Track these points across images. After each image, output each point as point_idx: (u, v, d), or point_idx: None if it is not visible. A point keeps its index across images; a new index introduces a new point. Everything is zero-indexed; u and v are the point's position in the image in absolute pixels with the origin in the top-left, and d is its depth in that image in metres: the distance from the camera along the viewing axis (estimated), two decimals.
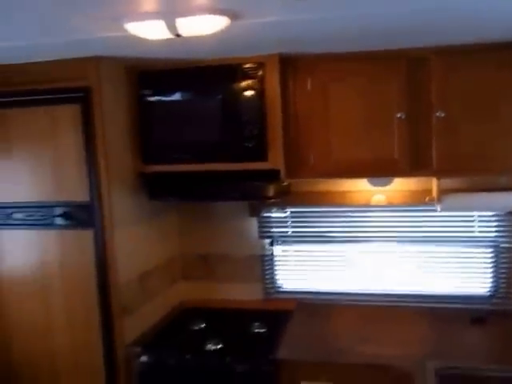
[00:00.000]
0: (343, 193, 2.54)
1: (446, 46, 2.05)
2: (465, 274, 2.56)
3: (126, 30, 1.51)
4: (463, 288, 2.56)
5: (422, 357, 1.99)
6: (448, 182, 2.28)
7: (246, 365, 2.10)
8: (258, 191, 2.27)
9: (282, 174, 2.19)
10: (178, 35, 1.49)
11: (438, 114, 2.07)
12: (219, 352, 2.22)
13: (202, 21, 1.42)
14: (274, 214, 2.70)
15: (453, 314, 2.47)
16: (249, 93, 2.13)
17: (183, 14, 1.40)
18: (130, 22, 1.45)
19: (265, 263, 2.78)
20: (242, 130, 2.14)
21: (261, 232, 2.74)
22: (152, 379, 2.22)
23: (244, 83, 2.13)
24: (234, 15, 1.45)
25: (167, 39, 1.55)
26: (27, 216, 2.25)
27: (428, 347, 2.12)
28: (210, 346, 2.26)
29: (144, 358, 2.22)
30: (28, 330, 2.34)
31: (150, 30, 1.48)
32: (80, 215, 2.18)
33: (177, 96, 2.23)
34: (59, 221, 2.21)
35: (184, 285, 2.87)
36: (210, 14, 1.40)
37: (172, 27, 1.44)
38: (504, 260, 2.49)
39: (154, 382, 2.22)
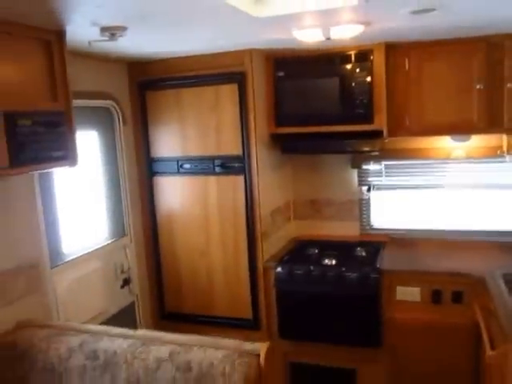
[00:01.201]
0: (429, 149, 3.20)
1: None
2: None
3: (291, 35, 2.25)
4: None
5: (493, 268, 2.68)
6: None
7: (357, 273, 2.86)
8: (364, 147, 3.00)
9: (385, 133, 2.89)
10: (328, 38, 2.21)
11: (509, 85, 2.68)
12: (334, 265, 3.01)
13: (347, 28, 2.14)
14: (371, 166, 3.41)
15: None
16: (360, 72, 2.83)
17: (335, 25, 2.12)
18: (297, 30, 2.18)
19: (362, 206, 3.51)
20: (354, 100, 2.86)
21: (360, 181, 3.47)
22: (285, 284, 3.02)
23: (357, 65, 2.83)
24: (367, 23, 2.15)
25: (318, 40, 2.28)
26: (194, 166, 3.09)
27: (497, 264, 2.80)
28: (327, 262, 3.05)
29: (279, 269, 3.03)
30: (192, 252, 3.19)
31: (309, 35, 2.21)
32: (234, 165, 2.98)
33: (303, 76, 2.96)
34: (218, 169, 3.03)
35: (296, 223, 3.66)
36: (353, 24, 2.11)
37: (326, 33, 2.17)
38: None
39: (286, 286, 3.02)
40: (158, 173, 3.21)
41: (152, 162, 3.21)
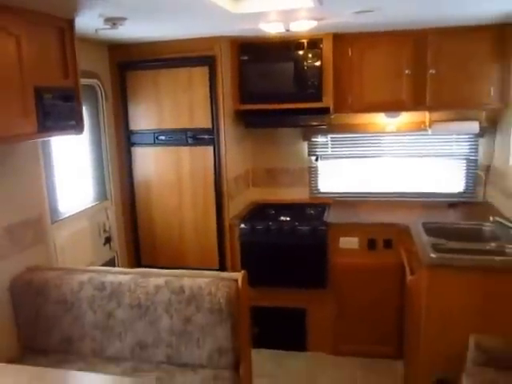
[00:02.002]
0: (367, 124, 3.82)
1: (439, 28, 3.25)
2: (446, 178, 3.88)
3: (257, 26, 2.76)
4: (444, 187, 3.88)
5: (415, 219, 3.35)
6: (436, 115, 3.57)
7: (308, 226, 3.45)
8: (314, 121, 3.58)
9: (331, 110, 3.47)
10: (287, 30, 2.74)
11: (431, 71, 3.32)
12: (289, 220, 3.59)
13: (304, 23, 2.67)
14: (319, 139, 4.00)
15: (437, 203, 3.82)
16: (312, 58, 3.37)
17: (294, 20, 2.65)
18: (263, 23, 2.69)
19: (311, 173, 4.10)
20: (306, 81, 3.40)
21: (309, 151, 4.05)
22: (248, 238, 3.55)
23: (309, 51, 3.37)
24: (320, 19, 2.70)
25: (279, 31, 2.81)
26: (168, 138, 3.54)
27: (419, 217, 3.48)
28: (283, 218, 3.63)
29: (242, 225, 3.57)
30: (166, 209, 3.65)
31: (272, 28, 2.74)
32: (204, 137, 3.47)
33: (264, 60, 3.47)
34: (190, 141, 3.49)
35: (254, 190, 4.20)
36: (308, 20, 2.65)
37: (286, 26, 2.69)
38: (472, 168, 3.81)
39: (249, 240, 3.55)
40: (135, 144, 3.64)
41: (130, 134, 3.63)
